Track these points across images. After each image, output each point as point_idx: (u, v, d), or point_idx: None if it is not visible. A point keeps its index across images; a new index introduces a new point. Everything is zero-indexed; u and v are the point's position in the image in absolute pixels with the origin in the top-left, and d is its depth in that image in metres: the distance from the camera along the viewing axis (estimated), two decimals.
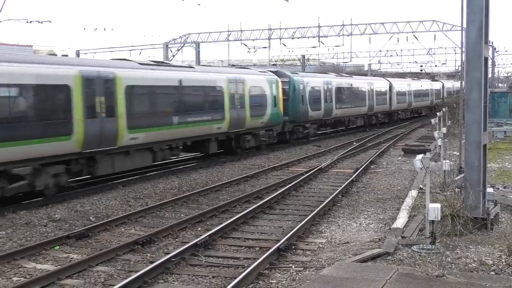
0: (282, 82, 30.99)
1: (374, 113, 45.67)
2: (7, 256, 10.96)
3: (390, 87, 49.18)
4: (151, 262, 10.48)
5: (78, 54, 56.64)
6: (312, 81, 35.26)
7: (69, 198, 16.74)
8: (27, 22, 36.78)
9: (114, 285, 9.07)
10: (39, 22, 37.06)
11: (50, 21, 40.52)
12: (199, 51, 54.57)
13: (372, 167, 23.56)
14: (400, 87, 52.24)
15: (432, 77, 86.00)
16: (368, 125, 44.91)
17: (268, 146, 29.87)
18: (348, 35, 51.96)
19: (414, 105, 57.28)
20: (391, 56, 75.96)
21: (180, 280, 9.79)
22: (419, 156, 11.28)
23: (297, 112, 32.58)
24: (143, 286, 9.35)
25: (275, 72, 32.02)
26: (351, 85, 41.43)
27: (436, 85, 67.38)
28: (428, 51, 71.03)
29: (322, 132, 39.61)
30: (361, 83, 43.72)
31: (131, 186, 18.83)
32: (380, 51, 66.96)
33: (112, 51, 57.90)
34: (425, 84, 63.04)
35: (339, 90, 38.71)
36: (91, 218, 14.55)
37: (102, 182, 19.27)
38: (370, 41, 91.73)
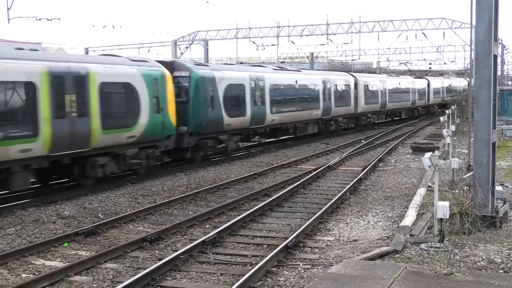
0: (177, 77, 22.72)
1: (332, 117, 36.68)
2: (16, 252, 11.01)
3: (356, 83, 40.46)
4: (159, 259, 10.51)
5: (87, 52, 56.79)
6: (231, 76, 25.63)
7: (77, 195, 16.80)
8: (36, 19, 36.95)
9: (122, 282, 9.09)
10: (48, 19, 37.22)
11: (59, 19, 40.55)
12: (207, 49, 54.62)
13: (381, 165, 23.51)
14: (371, 84, 43.33)
15: (427, 73, 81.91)
16: (325, 132, 36.24)
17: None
18: (356, 33, 51.76)
19: (390, 107, 47.55)
20: (399, 53, 75.73)
21: (188, 277, 9.82)
22: (428, 154, 11.24)
23: (203, 119, 23.20)
24: (151, 283, 9.37)
25: (168, 64, 22.61)
26: (295, 81, 32.30)
27: (420, 83, 57.29)
28: (437, 49, 70.68)
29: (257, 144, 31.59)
30: (311, 79, 34.69)
31: (139, 183, 18.88)
32: (388, 48, 66.78)
33: (120, 49, 58.00)
34: (405, 82, 53.18)
35: (276, 88, 29.75)
36: (99, 215, 14.60)
37: (110, 179, 19.32)
38: (378, 39, 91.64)
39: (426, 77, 60.41)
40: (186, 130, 22.29)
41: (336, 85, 37.39)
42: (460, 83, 71.46)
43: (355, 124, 40.79)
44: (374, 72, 65.28)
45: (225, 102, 24.58)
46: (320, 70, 53.53)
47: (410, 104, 53.58)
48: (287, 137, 33.10)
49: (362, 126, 41.96)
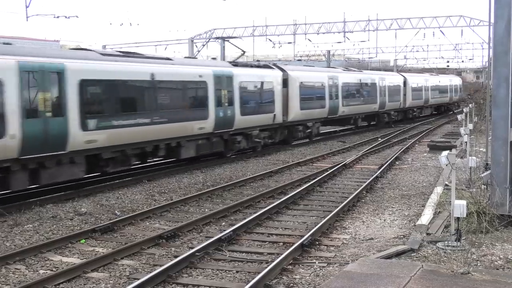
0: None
1: (244, 129, 24.82)
2: (34, 249, 11.12)
3: (286, 80, 28.85)
4: (176, 256, 10.55)
5: (104, 49, 57.09)
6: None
7: (94, 192, 16.93)
8: (55, 17, 37.15)
9: (139, 279, 9.15)
10: (66, 17, 37.41)
11: (77, 16, 40.74)
12: (224, 47, 54.67)
13: (397, 163, 23.41)
14: (307, 80, 31.22)
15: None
16: (230, 150, 24.77)
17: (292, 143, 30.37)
18: (373, 31, 51.48)
19: (345, 112, 35.49)
20: (417, 51, 75.22)
21: (204, 275, 9.85)
22: (445, 153, 11.17)
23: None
24: (168, 280, 9.42)
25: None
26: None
27: (393, 80, 44.78)
28: (455, 47, 70.10)
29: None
30: (188, 72, 21.56)
31: (156, 181, 18.97)
32: (406, 46, 66.28)
33: (138, 46, 58.29)
34: (367, 77, 40.38)
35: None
36: (116, 212, 14.69)
37: (127, 176, 19.45)
38: (396, 37, 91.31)
39: (404, 74, 49.66)
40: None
41: (252, 81, 26.16)
42: (452, 81, 63.63)
43: (286, 137, 29.76)
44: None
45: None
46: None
47: (378, 108, 41.02)
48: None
49: (297, 138, 31.17)
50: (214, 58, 33.40)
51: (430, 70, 76.53)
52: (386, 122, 43.15)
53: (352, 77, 37.26)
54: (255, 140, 25.91)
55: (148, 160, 21.17)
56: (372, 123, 42.61)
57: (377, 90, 40.44)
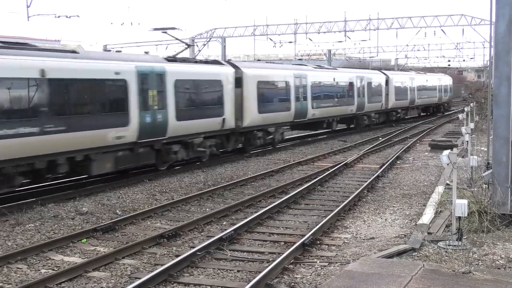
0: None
1: (183, 136, 20.91)
2: (36, 248, 11.13)
3: (240, 79, 24.63)
4: (177, 256, 10.56)
5: (105, 49, 57.12)
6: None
7: (96, 192, 16.93)
8: (55, 17, 37.16)
9: (140, 278, 9.15)
10: (67, 17, 37.43)
11: (78, 16, 40.81)
12: (225, 46, 54.65)
13: (398, 162, 23.40)
14: (267, 79, 27.06)
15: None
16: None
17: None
18: (374, 30, 51.49)
19: (316, 115, 31.64)
20: (418, 50, 75.18)
21: (205, 274, 9.85)
22: (446, 152, 11.17)
23: None
24: (169, 279, 9.42)
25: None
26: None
27: (373, 78, 40.19)
28: (456, 46, 70.05)
29: None
30: (97, 68, 18.02)
31: (157, 180, 18.98)
32: (407, 45, 66.22)
33: (139, 46, 58.25)
34: (343, 76, 36.00)
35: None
36: (117, 211, 14.70)
37: (128, 176, 19.45)
38: (397, 36, 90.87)
39: (385, 71, 45.79)
40: None
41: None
42: (441, 80, 58.62)
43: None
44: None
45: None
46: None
47: (351, 112, 36.67)
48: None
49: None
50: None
51: (431, 69, 76.47)
52: (366, 125, 39.37)
53: (324, 76, 33.43)
54: (197, 149, 21.72)
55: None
56: (351, 126, 38.65)
57: (354, 90, 36.56)
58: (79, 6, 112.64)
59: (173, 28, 23.25)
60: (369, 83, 39.01)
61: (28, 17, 34.31)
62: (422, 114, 53.77)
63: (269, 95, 26.89)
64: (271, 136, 27.16)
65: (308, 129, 34.16)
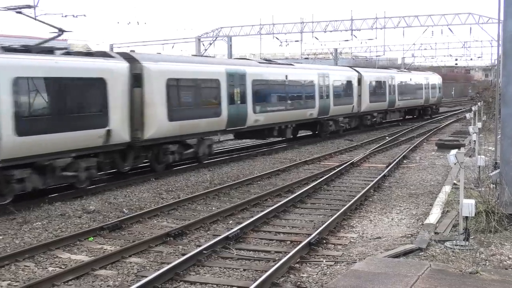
0: None
1: (33, 157, 15.07)
2: (43, 246, 11.17)
3: (139, 76, 18.83)
4: (183, 254, 10.56)
5: (111, 48, 57.29)
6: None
7: (102, 190, 16.98)
8: (62, 16, 37.12)
9: (146, 276, 9.17)
10: (74, 16, 37.37)
11: (84, 15, 41.03)
12: (231, 45, 54.70)
13: (405, 161, 23.34)
14: (183, 76, 21.01)
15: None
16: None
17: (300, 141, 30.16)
18: (381, 28, 51.50)
19: (261, 121, 25.66)
20: (425, 49, 75.02)
21: (212, 273, 9.86)
22: (453, 151, 11.13)
23: None
24: (175, 278, 9.43)
25: None
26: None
27: (341, 76, 34.73)
28: (464, 44, 69.89)
29: None
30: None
31: (163, 179, 19.00)
32: (414, 44, 66.09)
33: (145, 45, 58.51)
34: (299, 73, 29.97)
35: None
36: (124, 210, 14.72)
37: (135, 174, 19.48)
38: (403, 35, 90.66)
39: (358, 69, 38.83)
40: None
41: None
42: (429, 79, 51.33)
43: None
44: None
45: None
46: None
47: (300, 117, 29.89)
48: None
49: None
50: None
51: (437, 69, 76.24)
52: (333, 132, 33.17)
53: (271, 73, 26.77)
54: (61, 175, 15.83)
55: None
56: (315, 133, 32.44)
57: (316, 90, 30.16)
58: (86, 6, 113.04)
59: (28, 7, 17.86)
60: (336, 82, 33.20)
61: (35, 16, 34.34)
62: (407, 117, 47.43)
63: (187, 97, 21.09)
64: (191, 150, 21.30)
65: (254, 137, 28.45)
